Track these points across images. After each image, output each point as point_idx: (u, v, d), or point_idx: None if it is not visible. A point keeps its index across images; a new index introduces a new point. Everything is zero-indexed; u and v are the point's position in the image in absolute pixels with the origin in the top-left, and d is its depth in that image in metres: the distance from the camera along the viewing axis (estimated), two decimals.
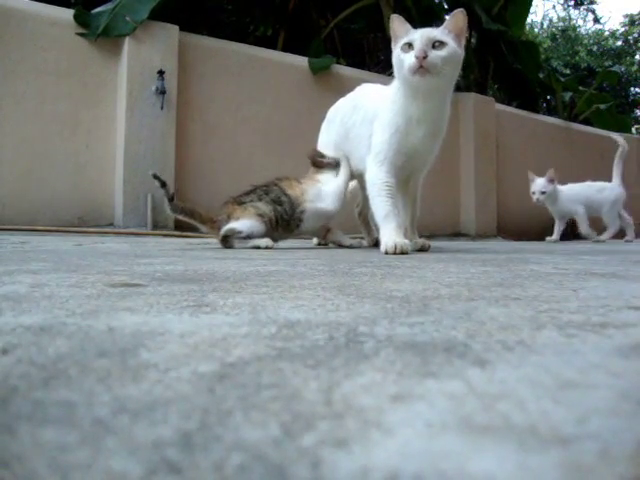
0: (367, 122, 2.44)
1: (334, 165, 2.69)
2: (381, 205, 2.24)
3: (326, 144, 2.86)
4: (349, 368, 0.44)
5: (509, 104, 7.63)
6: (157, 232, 4.16)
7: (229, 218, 2.51)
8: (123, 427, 0.32)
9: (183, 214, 2.62)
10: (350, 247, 2.77)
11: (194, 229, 4.54)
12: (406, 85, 2.22)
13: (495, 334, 0.57)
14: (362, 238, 3.03)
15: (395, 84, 2.33)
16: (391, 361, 0.46)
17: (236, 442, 0.30)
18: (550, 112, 9.51)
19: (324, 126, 2.99)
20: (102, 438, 0.30)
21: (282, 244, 2.68)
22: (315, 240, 3.03)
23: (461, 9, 2.27)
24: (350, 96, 2.78)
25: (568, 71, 14.95)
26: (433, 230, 5.89)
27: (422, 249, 2.49)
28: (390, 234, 2.13)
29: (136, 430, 0.31)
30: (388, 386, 0.40)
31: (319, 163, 2.71)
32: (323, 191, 2.61)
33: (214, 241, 2.63)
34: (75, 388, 0.38)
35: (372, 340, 0.54)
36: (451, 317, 0.67)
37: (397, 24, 2.23)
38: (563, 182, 7.66)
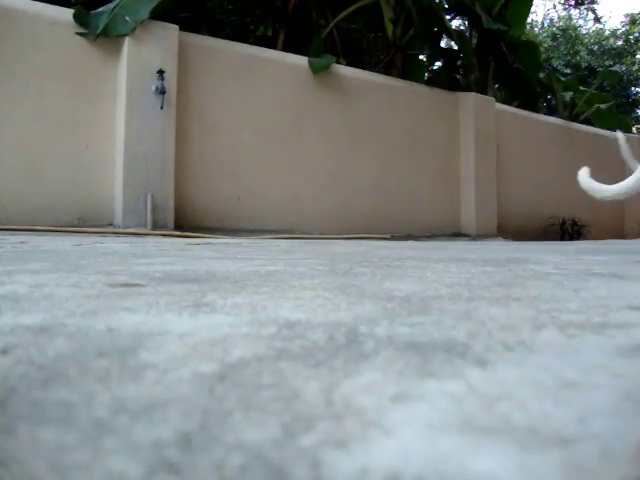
0: None
1: None
2: None
3: None
4: (349, 368, 0.44)
5: (509, 104, 7.62)
6: (157, 232, 4.15)
7: None
8: (122, 427, 0.31)
9: None
10: None
11: (193, 229, 4.52)
12: None
13: (495, 334, 0.57)
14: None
15: None
16: (391, 361, 0.46)
17: (236, 443, 0.30)
18: (550, 112, 9.51)
19: None
20: (101, 438, 0.30)
21: (281, 244, 2.68)
22: None
23: None
24: None
25: (569, 71, 14.94)
26: (433, 230, 5.89)
27: None
28: None
29: (135, 430, 0.31)
30: (388, 386, 0.40)
31: None
32: None
33: (214, 241, 2.61)
34: (74, 388, 0.38)
35: (372, 340, 0.54)
36: (452, 317, 0.67)
37: None
38: (563, 181, 7.66)
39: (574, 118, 8.34)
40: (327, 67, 5.38)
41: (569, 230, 7.08)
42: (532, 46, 7.53)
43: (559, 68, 14.95)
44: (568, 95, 8.39)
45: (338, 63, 5.81)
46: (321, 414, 0.34)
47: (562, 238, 6.83)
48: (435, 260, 1.77)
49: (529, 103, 7.76)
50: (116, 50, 4.39)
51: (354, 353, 0.49)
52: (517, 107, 7.52)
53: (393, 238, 5.07)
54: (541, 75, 7.93)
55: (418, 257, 1.96)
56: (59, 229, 3.91)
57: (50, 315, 0.64)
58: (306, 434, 0.31)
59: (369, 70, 6.15)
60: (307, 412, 0.34)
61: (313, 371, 0.43)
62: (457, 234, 6.29)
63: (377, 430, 0.31)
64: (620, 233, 8.17)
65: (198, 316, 0.65)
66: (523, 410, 0.35)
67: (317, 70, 5.31)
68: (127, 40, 4.34)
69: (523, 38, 8.15)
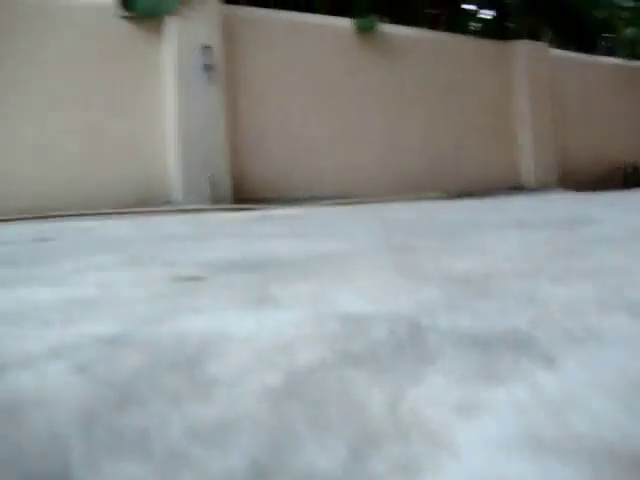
0: None
1: None
2: None
3: None
4: (413, 373, 0.44)
5: (565, 48, 7.27)
6: (215, 207, 4.22)
7: None
8: (196, 457, 0.33)
9: None
10: None
11: (251, 201, 4.57)
12: None
13: (561, 320, 0.56)
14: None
15: None
16: (456, 359, 0.46)
17: (306, 471, 0.30)
18: (611, 52, 9.02)
19: None
20: (177, 471, 0.31)
21: (337, 212, 2.67)
22: None
23: None
24: None
25: (631, 4, 14.05)
26: (490, 184, 5.75)
27: None
28: None
29: (209, 460, 0.32)
30: (453, 393, 0.40)
31: None
32: None
33: (272, 213, 2.64)
34: (148, 411, 0.40)
35: (434, 335, 0.54)
36: (513, 300, 0.66)
37: None
38: (625, 125, 7.32)
39: (637, 57, 7.88)
40: (372, 27, 5.26)
41: (632, 177, 6.78)
42: None
43: (620, 3, 14.07)
44: (630, 32, 7.92)
45: (382, 21, 5.67)
46: (387, 432, 0.34)
47: (625, 186, 6.55)
48: (495, 225, 1.73)
49: (586, 45, 7.37)
50: (159, 29, 4.43)
51: (417, 352, 0.49)
52: (573, 50, 7.17)
53: (449, 196, 4.98)
54: (599, 13, 7.50)
55: (477, 222, 1.92)
56: (121, 211, 4.03)
57: (119, 324, 0.66)
58: (374, 458, 0.31)
59: (414, 25, 5.97)
60: (374, 430, 0.35)
61: (377, 377, 0.44)
62: (515, 187, 6.13)
63: (446, 452, 0.32)
64: None
65: (260, 313, 0.67)
66: (594, 423, 0.34)
67: (362, 31, 5.21)
68: (170, 18, 4.36)
69: None
